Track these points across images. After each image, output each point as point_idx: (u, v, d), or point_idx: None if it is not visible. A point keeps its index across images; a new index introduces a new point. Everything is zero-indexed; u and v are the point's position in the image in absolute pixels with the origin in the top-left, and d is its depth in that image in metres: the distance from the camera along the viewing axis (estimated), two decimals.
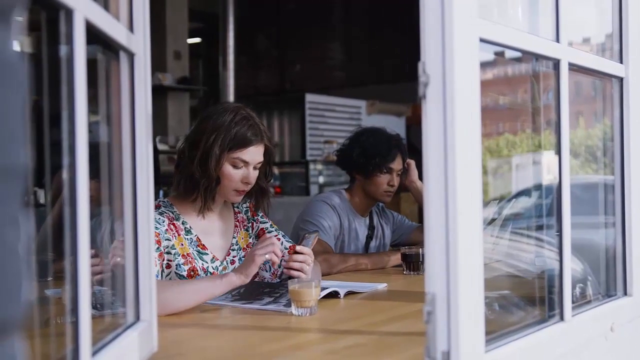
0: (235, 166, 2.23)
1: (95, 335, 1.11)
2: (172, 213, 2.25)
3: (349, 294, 2.21)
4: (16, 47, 0.52)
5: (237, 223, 2.42)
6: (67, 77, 1.02)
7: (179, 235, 2.22)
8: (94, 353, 1.09)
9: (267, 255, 1.99)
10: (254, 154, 2.25)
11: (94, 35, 1.12)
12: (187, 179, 2.24)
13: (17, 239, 0.51)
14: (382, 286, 2.39)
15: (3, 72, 0.48)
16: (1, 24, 0.48)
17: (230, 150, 2.21)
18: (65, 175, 1.01)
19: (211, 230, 2.33)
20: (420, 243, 3.06)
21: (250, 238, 2.43)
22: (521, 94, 2.09)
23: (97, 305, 1.34)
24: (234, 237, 2.39)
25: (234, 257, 2.36)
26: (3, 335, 0.50)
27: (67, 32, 1.01)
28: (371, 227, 3.20)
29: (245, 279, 1.99)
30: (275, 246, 2.02)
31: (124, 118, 1.37)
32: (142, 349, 1.35)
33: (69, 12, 1.00)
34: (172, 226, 2.21)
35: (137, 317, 1.38)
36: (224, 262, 2.32)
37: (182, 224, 2.26)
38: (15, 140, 0.50)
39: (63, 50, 1.02)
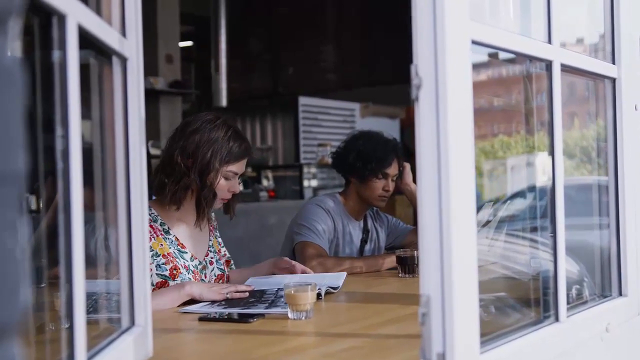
0: (226, 178, 2.34)
1: (90, 340, 1.10)
2: (150, 215, 2.30)
3: (328, 293, 2.24)
4: (13, 52, 0.52)
5: (212, 228, 2.54)
6: (60, 82, 1.01)
7: (157, 236, 2.30)
8: (89, 358, 1.09)
9: (228, 295, 2.16)
10: (244, 165, 2.40)
11: (86, 40, 1.12)
12: (182, 190, 2.30)
13: (16, 243, 0.51)
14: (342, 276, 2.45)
15: (1, 78, 0.48)
16: None
17: (226, 164, 2.32)
18: (59, 180, 1.01)
19: (189, 233, 2.41)
20: (414, 245, 3.06)
21: (219, 245, 2.56)
22: (515, 95, 2.09)
23: (89, 309, 1.34)
24: (210, 240, 2.50)
25: (211, 258, 2.47)
26: (2, 339, 0.50)
27: (59, 37, 1.01)
28: (365, 231, 3.19)
29: (198, 290, 2.12)
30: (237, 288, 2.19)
31: (117, 123, 1.36)
32: (137, 354, 1.35)
33: (62, 18, 1.00)
34: (149, 228, 2.25)
35: (132, 322, 1.38)
36: (203, 262, 2.42)
37: (160, 225, 2.33)
38: (14, 146, 0.50)
39: (56, 55, 1.02)
